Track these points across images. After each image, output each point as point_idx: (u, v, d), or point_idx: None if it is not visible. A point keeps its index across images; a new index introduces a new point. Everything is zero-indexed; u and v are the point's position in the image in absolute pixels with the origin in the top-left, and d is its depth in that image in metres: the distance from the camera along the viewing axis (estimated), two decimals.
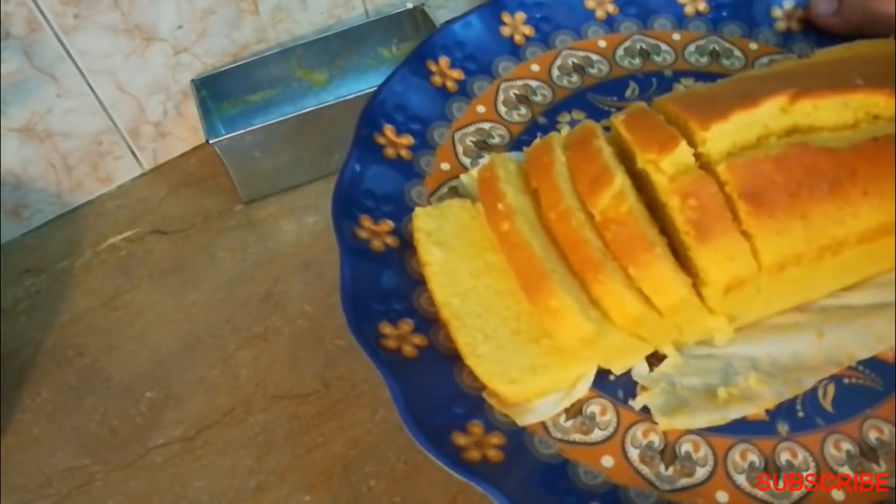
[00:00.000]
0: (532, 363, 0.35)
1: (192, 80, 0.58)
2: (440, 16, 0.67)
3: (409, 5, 0.63)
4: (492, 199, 0.38)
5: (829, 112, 0.37)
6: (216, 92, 0.60)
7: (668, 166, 0.35)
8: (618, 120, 0.39)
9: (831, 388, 0.37)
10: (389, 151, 0.44)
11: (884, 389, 0.37)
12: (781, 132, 0.37)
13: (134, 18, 0.54)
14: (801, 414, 0.37)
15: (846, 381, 0.37)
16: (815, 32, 0.50)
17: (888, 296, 0.39)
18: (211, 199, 0.59)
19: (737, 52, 0.50)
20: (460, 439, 0.35)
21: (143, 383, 0.50)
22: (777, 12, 0.50)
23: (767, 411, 0.36)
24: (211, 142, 0.53)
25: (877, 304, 0.39)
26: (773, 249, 0.35)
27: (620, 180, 0.36)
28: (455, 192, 0.44)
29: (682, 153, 0.35)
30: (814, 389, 0.37)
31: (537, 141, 0.41)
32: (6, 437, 0.48)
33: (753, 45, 0.50)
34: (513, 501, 0.33)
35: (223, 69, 0.59)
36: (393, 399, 0.34)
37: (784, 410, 0.37)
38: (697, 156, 0.36)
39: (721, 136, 0.36)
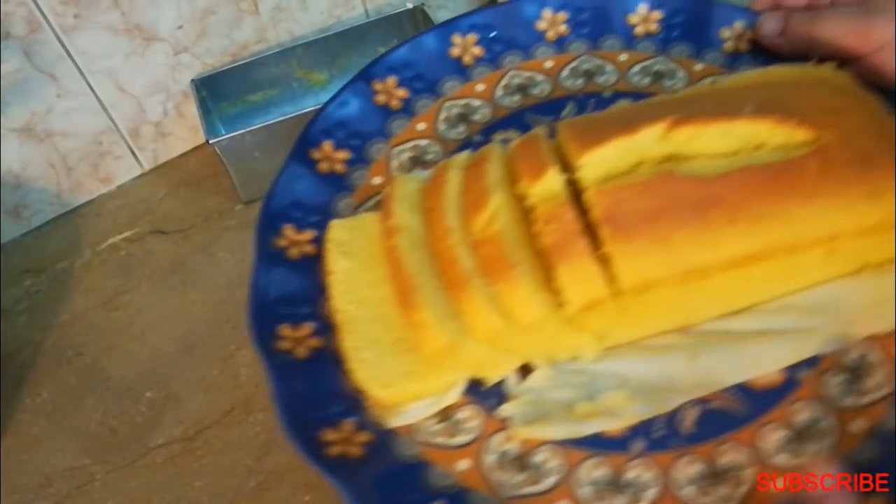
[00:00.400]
0: (407, 370, 0.37)
1: (192, 80, 0.58)
2: (440, 15, 0.67)
3: (409, 5, 0.63)
4: (384, 216, 0.41)
5: (710, 140, 0.37)
6: (216, 92, 0.60)
7: (538, 192, 0.37)
8: (513, 145, 0.41)
9: (694, 411, 0.38)
10: (323, 165, 0.46)
11: (747, 416, 0.37)
12: (659, 159, 0.37)
13: (134, 18, 0.54)
14: (658, 434, 0.37)
15: (711, 404, 0.38)
16: (762, 54, 0.49)
17: (770, 323, 0.39)
18: (211, 199, 0.59)
19: (680, 73, 0.50)
20: (329, 435, 0.36)
21: (142, 383, 0.50)
22: (726, 32, 0.50)
23: (627, 428, 0.37)
24: (211, 142, 0.53)
25: (757, 330, 0.39)
26: (632, 272, 0.36)
27: (496, 202, 0.37)
28: (380, 206, 0.46)
29: (551, 180, 0.37)
30: (677, 410, 0.38)
31: (443, 162, 0.43)
32: (6, 437, 0.48)
33: (699, 66, 0.50)
34: (356, 495, 0.34)
35: (223, 69, 0.59)
36: (272, 393, 0.36)
37: (642, 429, 0.37)
38: (575, 181, 0.37)
39: (598, 161, 0.37)
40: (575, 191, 0.37)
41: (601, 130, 0.38)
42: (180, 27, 0.56)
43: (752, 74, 0.45)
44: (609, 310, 0.37)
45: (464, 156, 0.42)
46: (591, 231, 0.36)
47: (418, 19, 0.63)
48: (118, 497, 0.45)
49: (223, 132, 0.59)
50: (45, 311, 0.54)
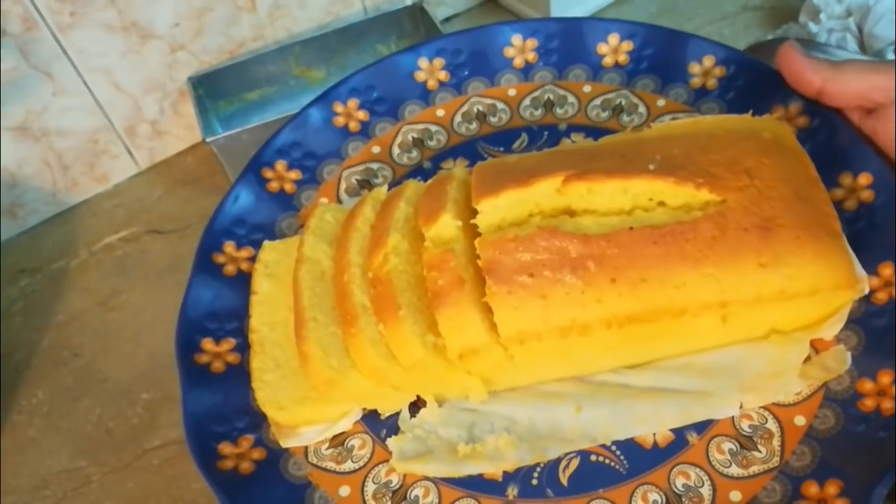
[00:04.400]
0: (301, 395, 0.39)
1: (189, 78, 0.59)
2: (439, 12, 0.67)
3: (408, 2, 0.64)
4: (299, 244, 0.42)
5: (604, 196, 0.37)
6: (213, 90, 0.60)
7: (432, 236, 0.38)
8: (428, 183, 0.41)
9: (575, 462, 0.38)
10: (273, 185, 0.47)
11: (626, 474, 0.37)
12: (552, 212, 0.38)
13: (130, 16, 0.55)
14: (534, 482, 0.38)
15: (593, 458, 0.38)
16: (733, 89, 0.48)
17: (666, 381, 0.39)
18: (207, 199, 0.59)
19: (641, 108, 0.49)
20: (226, 449, 0.38)
21: (139, 384, 0.51)
22: (695, 68, 0.49)
23: (505, 473, 0.38)
24: (208, 140, 0.53)
25: (652, 387, 0.39)
26: (509, 324, 0.36)
27: (393, 242, 0.38)
28: None
29: (445, 225, 0.38)
30: (559, 460, 0.38)
31: (364, 194, 0.44)
32: (2, 438, 0.49)
33: (661, 102, 0.49)
34: None
35: (220, 67, 0.60)
36: (183, 410, 0.38)
37: (521, 475, 0.38)
38: (474, 226, 0.38)
39: (493, 210, 0.37)
40: (478, 234, 0.38)
41: (502, 178, 0.38)
42: (177, 25, 0.57)
43: (682, 123, 0.44)
44: (493, 355, 0.37)
45: (383, 190, 0.43)
46: (482, 277, 0.37)
47: (417, 16, 0.63)
48: (115, 499, 0.46)
49: (220, 131, 0.60)
50: (41, 311, 0.55)
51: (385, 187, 0.43)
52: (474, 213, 0.38)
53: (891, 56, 0.55)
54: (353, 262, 0.40)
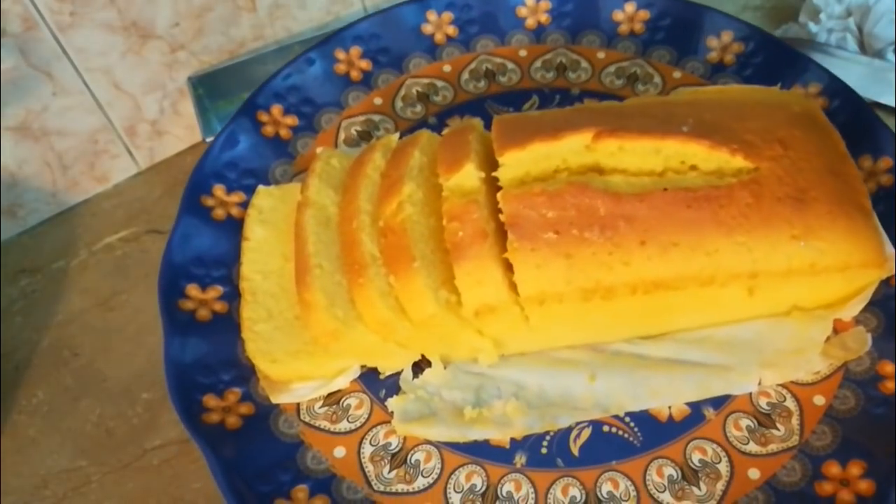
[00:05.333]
0: (297, 348, 0.37)
1: (189, 78, 0.59)
2: None
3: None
4: (302, 189, 0.40)
5: (636, 156, 0.36)
6: (213, 90, 0.60)
7: (452, 186, 0.36)
8: (444, 134, 0.40)
9: (587, 432, 0.37)
10: (268, 129, 0.45)
11: (640, 446, 0.36)
12: (580, 168, 0.36)
13: (130, 16, 0.54)
14: (544, 451, 0.37)
15: (605, 428, 0.37)
16: (750, 66, 0.47)
17: (684, 353, 0.38)
18: None
19: (656, 79, 0.48)
20: (211, 401, 0.37)
21: (139, 384, 0.51)
22: (713, 42, 0.48)
23: (513, 440, 0.37)
24: (208, 140, 0.53)
25: (668, 359, 0.38)
26: (530, 282, 0.35)
27: (408, 190, 0.37)
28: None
29: (467, 175, 0.36)
30: (569, 429, 0.37)
31: (373, 141, 0.43)
32: (2, 438, 0.49)
33: (677, 74, 0.48)
34: (222, 466, 0.35)
35: (220, 67, 0.60)
36: (164, 357, 0.37)
37: (529, 443, 0.37)
38: (494, 179, 0.36)
39: (517, 163, 0.36)
40: (499, 188, 0.36)
41: (528, 131, 0.37)
42: (177, 25, 0.57)
43: (711, 90, 0.43)
44: (509, 316, 0.36)
45: (394, 137, 0.41)
46: (503, 233, 0.35)
47: None
48: (114, 499, 0.46)
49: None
50: (41, 311, 0.54)
51: (396, 135, 0.42)
52: (493, 166, 0.37)
53: (891, 56, 0.55)
54: (362, 209, 0.38)
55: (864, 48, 0.57)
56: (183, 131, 0.62)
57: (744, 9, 0.66)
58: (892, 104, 0.52)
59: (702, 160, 0.36)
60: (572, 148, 0.36)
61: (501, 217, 0.35)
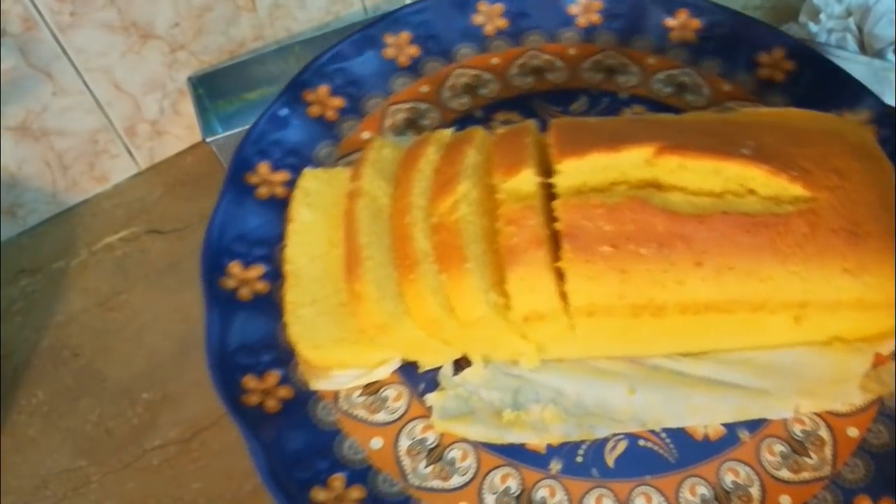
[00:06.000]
0: (341, 336, 0.36)
1: (189, 78, 0.59)
2: None
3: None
4: (353, 176, 0.40)
5: (696, 175, 0.35)
6: (213, 90, 0.60)
7: (509, 189, 0.36)
8: (498, 133, 0.39)
9: (623, 445, 0.37)
10: (314, 109, 0.45)
11: (675, 463, 0.36)
12: (639, 183, 0.36)
13: (130, 16, 0.54)
14: (579, 459, 0.36)
15: (641, 442, 0.37)
16: (800, 85, 0.46)
17: (723, 374, 0.38)
18: (208, 199, 0.59)
19: (705, 90, 0.47)
20: (251, 382, 0.37)
21: (139, 384, 0.50)
22: (764, 58, 0.47)
23: (549, 446, 0.36)
24: (208, 140, 0.53)
25: (708, 378, 0.38)
26: (582, 294, 0.34)
27: (463, 189, 0.36)
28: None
29: (525, 180, 0.36)
30: (605, 440, 0.37)
31: (425, 134, 0.41)
32: (2, 438, 0.49)
33: (726, 87, 0.47)
34: (262, 449, 0.34)
35: (220, 67, 0.60)
36: (206, 334, 0.36)
37: (566, 450, 0.37)
38: (551, 185, 0.36)
39: (575, 171, 0.35)
40: (552, 194, 0.36)
41: (587, 139, 0.36)
42: (177, 25, 0.57)
43: (771, 112, 0.42)
44: (555, 324, 0.36)
45: (448, 132, 0.41)
46: (556, 240, 0.35)
47: None
48: (114, 499, 0.46)
49: (220, 130, 0.60)
50: (41, 311, 0.54)
51: (449, 130, 0.41)
52: (546, 170, 0.36)
53: (891, 56, 0.55)
54: (415, 203, 0.37)
55: (864, 48, 0.57)
56: (183, 131, 0.62)
57: (744, 9, 0.66)
58: (893, 104, 0.52)
59: (761, 185, 0.35)
60: (632, 161, 0.35)
61: (556, 225, 0.35)
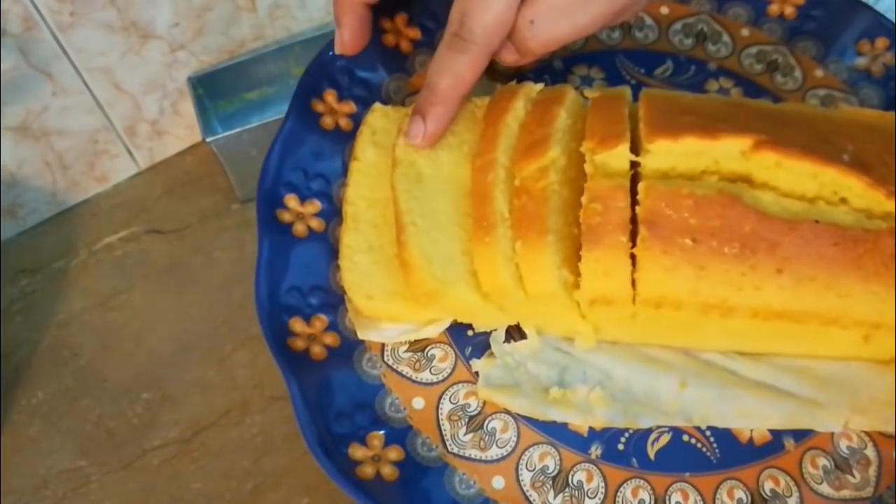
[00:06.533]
0: (395, 289, 0.35)
1: (189, 78, 0.58)
2: None
3: None
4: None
5: (792, 175, 0.34)
6: (213, 90, 0.60)
7: (601, 162, 0.34)
8: (593, 95, 0.37)
9: (666, 438, 0.36)
10: (389, 38, 0.42)
11: (716, 463, 0.35)
12: (731, 175, 0.34)
13: (130, 16, 0.54)
14: (621, 447, 0.35)
15: (685, 438, 0.36)
16: (893, 83, 0.43)
17: (778, 379, 0.37)
18: (208, 199, 0.59)
19: (797, 73, 0.44)
20: (297, 326, 0.35)
21: (139, 384, 0.50)
22: (865, 47, 0.44)
23: (591, 429, 0.35)
24: (208, 140, 0.53)
25: (761, 382, 0.36)
26: (654, 284, 0.33)
27: (553, 156, 0.34)
28: None
29: (619, 156, 0.34)
30: (648, 431, 0.36)
31: (510, 84, 0.39)
32: (2, 438, 0.49)
33: (819, 73, 0.44)
34: (302, 394, 0.33)
35: (220, 67, 0.59)
36: (256, 272, 0.34)
37: (607, 436, 0.35)
38: (635, 164, 0.34)
39: (665, 153, 0.34)
40: (637, 173, 0.34)
41: (682, 119, 0.34)
42: (177, 25, 0.56)
43: (872, 115, 0.39)
44: (619, 309, 0.34)
45: (536, 87, 0.38)
46: (634, 222, 0.33)
47: None
48: (114, 499, 0.46)
49: (220, 130, 0.59)
50: (41, 311, 0.54)
51: (539, 85, 0.38)
52: (634, 143, 0.34)
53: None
54: (499, 161, 0.35)
55: None
56: (183, 131, 0.62)
57: None
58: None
59: (855, 195, 0.34)
60: (727, 152, 0.33)
61: (637, 208, 0.33)
